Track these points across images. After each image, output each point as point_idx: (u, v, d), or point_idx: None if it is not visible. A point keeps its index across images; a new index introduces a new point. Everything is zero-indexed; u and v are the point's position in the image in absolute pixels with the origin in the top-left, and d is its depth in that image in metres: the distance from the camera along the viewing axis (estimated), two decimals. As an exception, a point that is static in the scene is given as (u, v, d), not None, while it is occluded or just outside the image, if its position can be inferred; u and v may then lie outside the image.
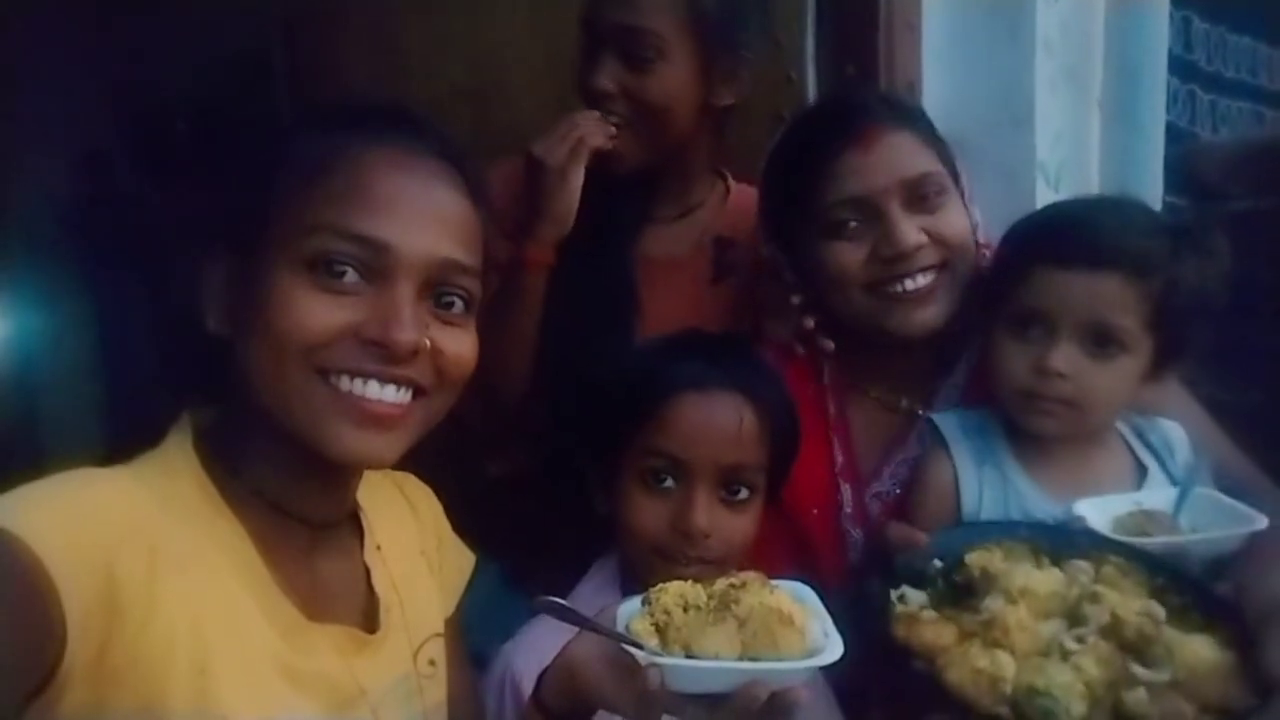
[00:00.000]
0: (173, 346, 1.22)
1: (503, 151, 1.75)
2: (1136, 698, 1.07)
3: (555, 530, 1.59)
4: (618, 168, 1.62)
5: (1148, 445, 1.42)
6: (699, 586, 1.02)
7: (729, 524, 1.30)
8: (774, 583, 1.02)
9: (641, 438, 1.30)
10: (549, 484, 1.59)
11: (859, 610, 1.15)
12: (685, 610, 0.99)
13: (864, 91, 1.60)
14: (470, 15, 2.20)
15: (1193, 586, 1.20)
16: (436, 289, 1.04)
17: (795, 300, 1.58)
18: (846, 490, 1.55)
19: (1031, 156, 1.88)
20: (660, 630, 0.98)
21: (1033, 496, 1.38)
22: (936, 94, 1.92)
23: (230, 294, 1.03)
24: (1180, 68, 2.50)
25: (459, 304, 1.06)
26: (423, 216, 1.02)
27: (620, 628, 1.00)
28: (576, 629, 1.04)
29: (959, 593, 1.21)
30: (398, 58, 2.26)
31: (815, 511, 1.54)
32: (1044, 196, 1.89)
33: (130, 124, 2.29)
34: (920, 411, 1.56)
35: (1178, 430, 1.42)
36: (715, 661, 0.95)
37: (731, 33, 1.65)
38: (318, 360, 0.98)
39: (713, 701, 0.95)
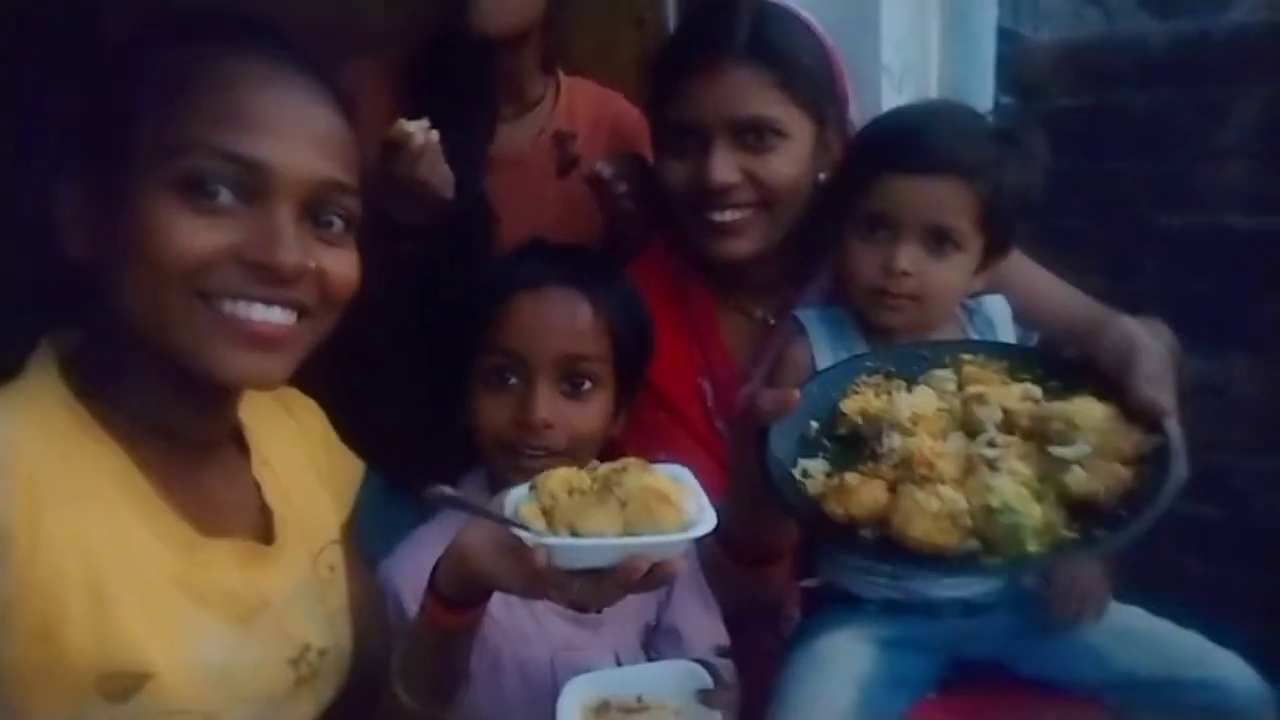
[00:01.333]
0: (19, 270, 1.16)
1: (356, 51, 1.73)
2: (1077, 478, 1.07)
3: (433, 439, 1.61)
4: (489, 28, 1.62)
5: (974, 325, 1.54)
6: (583, 472, 1.06)
7: (571, 414, 1.36)
8: (654, 467, 1.06)
9: (483, 340, 1.36)
10: (420, 394, 1.61)
11: (784, 499, 1.17)
12: (570, 494, 1.03)
13: (736, 15, 1.52)
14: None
15: (1039, 358, 1.29)
16: (316, 209, 1.02)
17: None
18: (708, 386, 1.64)
19: (877, 60, 1.94)
20: (547, 514, 1.01)
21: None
22: (788, -2, 1.95)
23: (91, 215, 0.98)
24: (1003, -33, 2.60)
25: (339, 223, 1.05)
26: (300, 135, 1.00)
27: (509, 514, 1.04)
28: (446, 543, 1.08)
29: (851, 445, 1.22)
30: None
31: (696, 409, 1.62)
32: (889, 98, 1.97)
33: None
34: (772, 321, 1.65)
35: (1000, 305, 1.54)
36: (597, 538, 0.99)
37: None
38: (198, 284, 0.96)
39: (599, 576, 1.00)
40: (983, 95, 2.16)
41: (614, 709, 1.19)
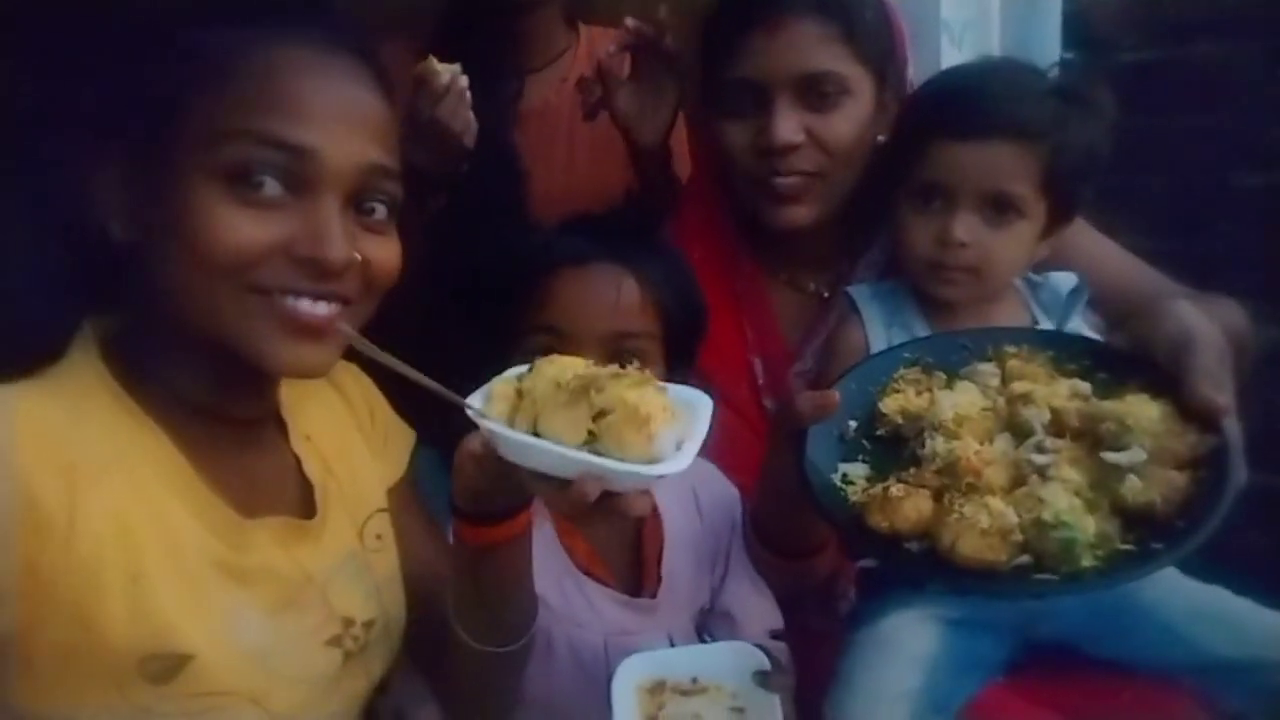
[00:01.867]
0: (59, 254, 1.14)
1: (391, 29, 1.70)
2: (1132, 488, 1.02)
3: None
4: None
5: (1039, 300, 1.47)
6: (588, 365, 0.96)
7: None
8: (669, 386, 0.95)
9: (526, 318, 1.31)
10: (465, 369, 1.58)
11: (824, 508, 1.13)
12: (555, 387, 0.91)
13: None
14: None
15: (1086, 347, 1.24)
16: (360, 196, 1.01)
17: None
18: (759, 364, 1.60)
19: (937, 15, 1.88)
20: (520, 396, 0.92)
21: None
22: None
23: (133, 199, 0.97)
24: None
25: (381, 209, 1.04)
26: (347, 120, 0.99)
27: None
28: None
29: (891, 445, 1.18)
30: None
31: (744, 389, 1.59)
32: (949, 54, 1.90)
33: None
34: (826, 294, 1.61)
35: (1067, 281, 1.47)
36: (526, 436, 0.88)
37: None
38: (248, 278, 0.96)
39: (560, 486, 0.88)
40: (1047, 50, 2.07)
41: (669, 689, 1.18)
